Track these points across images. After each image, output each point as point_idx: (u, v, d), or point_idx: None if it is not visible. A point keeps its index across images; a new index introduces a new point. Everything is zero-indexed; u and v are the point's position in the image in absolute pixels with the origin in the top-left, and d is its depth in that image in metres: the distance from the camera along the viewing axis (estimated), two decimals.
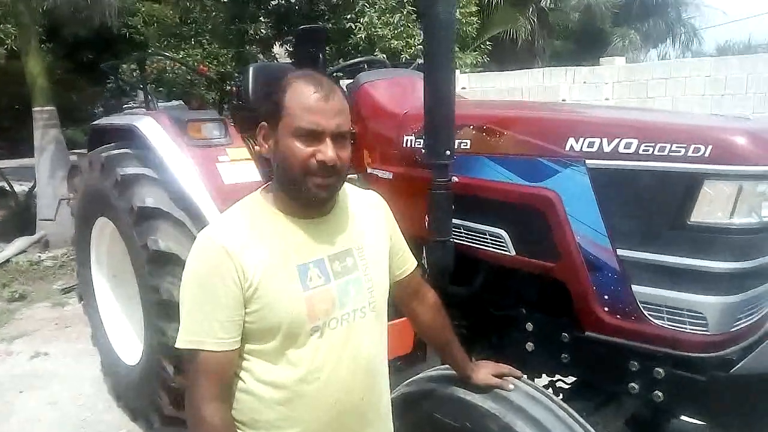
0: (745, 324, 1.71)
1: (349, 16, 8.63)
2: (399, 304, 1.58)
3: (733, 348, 1.69)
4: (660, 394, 1.72)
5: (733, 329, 1.67)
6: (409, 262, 1.53)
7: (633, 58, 13.91)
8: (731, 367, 1.64)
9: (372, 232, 1.38)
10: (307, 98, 1.19)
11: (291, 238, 1.24)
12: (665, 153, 1.62)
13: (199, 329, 1.18)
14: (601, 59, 8.58)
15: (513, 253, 2.01)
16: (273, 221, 1.25)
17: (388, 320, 2.11)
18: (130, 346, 3.24)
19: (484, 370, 1.64)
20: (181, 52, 8.48)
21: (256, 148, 1.30)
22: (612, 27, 17.15)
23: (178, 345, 1.20)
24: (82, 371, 3.97)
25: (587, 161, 1.77)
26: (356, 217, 1.36)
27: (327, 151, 1.19)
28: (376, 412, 1.37)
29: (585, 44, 16.73)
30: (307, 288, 1.22)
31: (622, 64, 8.11)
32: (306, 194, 1.22)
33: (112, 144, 3.09)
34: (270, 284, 1.18)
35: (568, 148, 1.82)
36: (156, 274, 2.58)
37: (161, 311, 2.57)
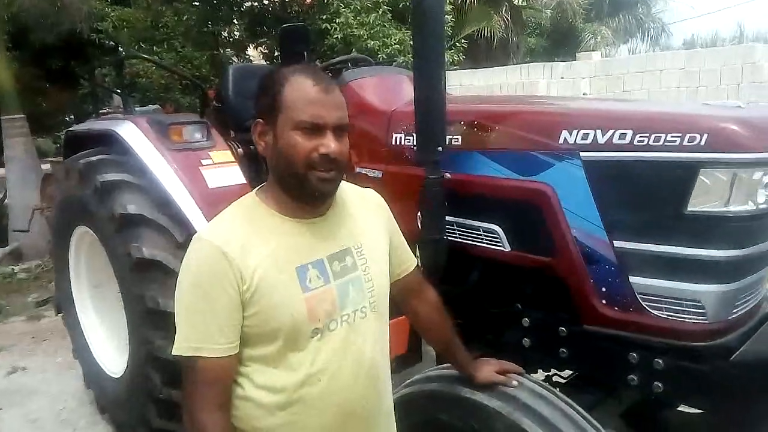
0: (743, 311, 1.72)
1: (324, 17, 8.58)
2: (400, 303, 1.54)
3: (731, 335, 1.70)
4: (660, 384, 1.72)
5: (731, 317, 1.68)
6: (409, 261, 1.51)
7: (605, 53, 14.10)
8: (730, 354, 1.64)
9: (371, 230, 1.36)
10: (308, 91, 1.17)
11: (289, 239, 1.21)
12: (660, 143, 1.61)
13: (198, 335, 1.14)
14: (577, 54, 8.68)
15: (508, 248, 2.00)
16: (270, 222, 1.22)
17: None
18: (114, 358, 3.15)
19: (487, 368, 1.62)
20: (155, 56, 8.33)
21: (261, 147, 1.26)
22: (584, 23, 17.36)
23: (175, 352, 1.16)
24: (63, 386, 3.85)
25: (582, 153, 1.76)
26: (354, 215, 1.34)
27: (329, 143, 1.17)
28: (379, 414, 1.34)
29: (558, 41, 16.94)
30: (307, 289, 1.19)
31: (598, 59, 8.21)
32: (309, 189, 1.20)
33: (90, 150, 3.00)
34: (269, 287, 1.15)
35: (561, 140, 1.80)
36: (140, 282, 2.51)
37: (147, 320, 2.50)
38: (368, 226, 1.36)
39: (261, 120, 1.22)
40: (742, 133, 1.53)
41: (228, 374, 1.17)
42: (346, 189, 1.37)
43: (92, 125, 3.29)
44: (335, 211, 1.30)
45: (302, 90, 1.17)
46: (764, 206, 1.57)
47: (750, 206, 1.55)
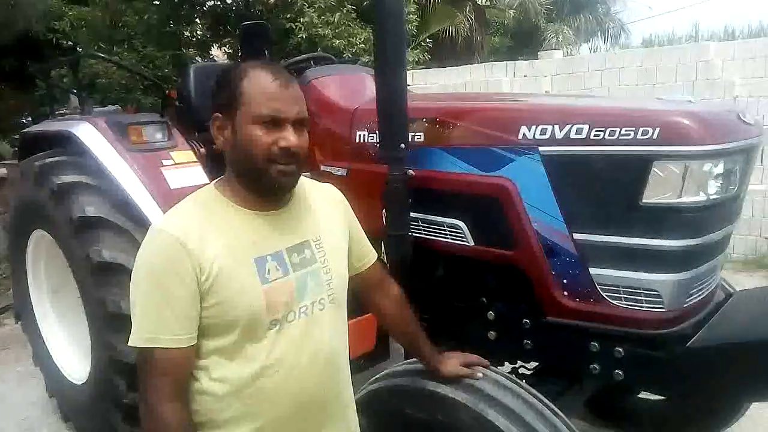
0: (697, 299, 1.78)
1: (288, 17, 8.52)
2: (363, 297, 1.56)
3: (687, 323, 1.75)
4: (620, 372, 1.77)
5: (686, 305, 1.73)
6: (370, 255, 1.53)
7: (566, 52, 14.35)
8: (686, 341, 1.70)
9: (329, 223, 1.37)
10: (267, 85, 1.18)
11: (248, 230, 1.21)
12: (615, 137, 1.66)
13: (154, 326, 1.13)
14: (539, 53, 8.81)
15: (472, 243, 2.02)
16: (229, 214, 1.21)
17: (350, 318, 2.09)
18: (77, 365, 3.07)
19: (452, 361, 1.64)
20: (115, 57, 8.14)
21: (219, 142, 1.25)
22: (546, 23, 17.64)
23: (131, 343, 1.15)
24: (25, 394, 3.74)
25: (540, 148, 1.79)
26: (313, 209, 1.35)
27: (289, 137, 1.18)
28: (338, 404, 1.35)
29: (521, 40, 17.16)
30: (266, 281, 1.19)
31: (559, 57, 8.36)
32: (269, 182, 1.20)
33: (46, 152, 2.91)
34: (227, 278, 1.15)
35: (521, 136, 1.84)
36: (101, 286, 2.45)
37: (109, 325, 2.45)
38: (327, 219, 1.36)
39: (219, 114, 1.22)
40: (693, 126, 1.59)
41: (185, 365, 1.16)
42: (306, 183, 1.38)
43: (48, 126, 3.19)
44: (294, 204, 1.31)
45: (261, 84, 1.18)
46: (715, 197, 1.63)
47: (701, 197, 1.61)
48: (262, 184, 1.21)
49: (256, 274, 1.18)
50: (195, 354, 1.18)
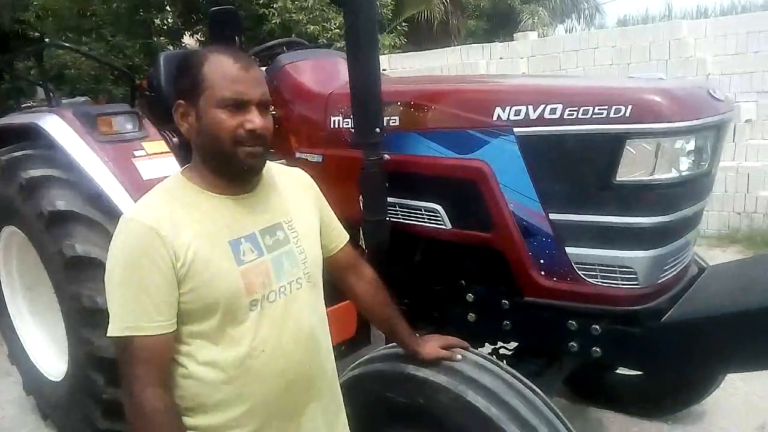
0: (671, 275, 1.80)
1: (261, 2, 8.40)
2: (337, 281, 1.57)
3: (661, 299, 1.77)
4: (598, 349, 1.79)
5: (660, 281, 1.76)
6: (341, 236, 1.54)
7: (542, 33, 14.36)
8: (661, 317, 1.72)
9: (299, 206, 1.38)
10: (229, 69, 1.18)
11: (220, 215, 1.22)
12: (588, 116, 1.66)
13: (134, 315, 1.13)
14: (515, 35, 8.81)
15: (449, 226, 2.02)
16: (199, 200, 1.22)
17: (330, 304, 2.09)
18: (54, 361, 3.03)
19: (431, 344, 1.64)
20: (84, 47, 7.95)
21: (183, 128, 1.25)
22: (521, 5, 17.62)
23: (111, 334, 1.14)
24: (1, 393, 3.68)
25: (515, 129, 1.79)
26: (282, 192, 1.36)
27: (255, 119, 1.19)
28: (324, 379, 1.37)
29: (497, 22, 17.11)
30: (242, 262, 1.20)
31: (534, 38, 8.36)
32: (237, 165, 1.21)
33: (13, 146, 2.84)
34: (203, 262, 1.15)
35: (495, 117, 1.83)
36: (75, 281, 2.41)
37: (85, 320, 2.41)
38: (297, 201, 1.38)
39: (182, 101, 1.22)
40: (664, 103, 1.59)
41: (166, 351, 1.16)
42: (274, 168, 1.39)
43: (13, 119, 3.10)
44: (263, 187, 1.32)
45: (223, 68, 1.17)
46: (687, 173, 1.64)
47: (674, 174, 1.62)
48: (230, 167, 1.21)
49: (232, 257, 1.19)
50: (178, 340, 1.18)
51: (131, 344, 1.13)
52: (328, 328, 1.43)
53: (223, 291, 1.16)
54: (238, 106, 1.18)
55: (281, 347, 1.24)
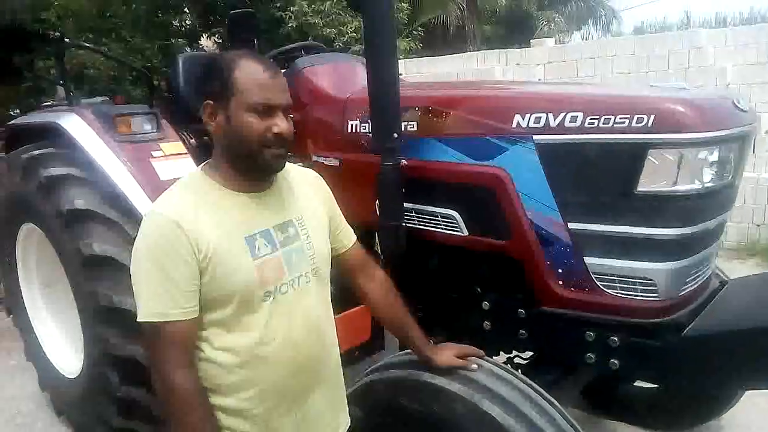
0: (692, 287, 1.77)
1: (278, 5, 8.45)
2: (348, 282, 1.62)
3: (682, 312, 1.74)
4: (616, 362, 1.76)
5: (681, 293, 1.73)
6: (348, 237, 1.60)
7: (559, 40, 14.31)
8: (682, 330, 1.69)
9: (310, 204, 1.46)
10: (259, 75, 1.26)
11: (237, 211, 1.30)
12: (610, 125, 1.64)
13: (162, 302, 1.21)
14: (531, 41, 8.78)
15: (465, 233, 2.01)
16: (218, 196, 1.30)
17: (344, 309, 2.08)
18: (69, 358, 3.06)
19: (447, 352, 1.63)
20: (103, 47, 8.04)
21: (211, 127, 1.32)
22: (538, 11, 17.60)
23: (141, 319, 1.23)
24: (17, 389, 3.72)
25: (535, 137, 1.77)
26: (294, 190, 1.44)
27: (281, 123, 1.27)
28: (327, 367, 1.46)
29: (513, 28, 17.09)
30: (257, 257, 1.28)
31: (551, 45, 8.33)
32: (262, 165, 1.30)
33: (33, 144, 2.87)
34: (222, 255, 1.24)
35: (515, 124, 1.82)
36: (92, 279, 2.43)
37: (101, 318, 2.43)
38: (308, 200, 1.46)
39: (211, 102, 1.29)
40: (688, 113, 1.57)
41: (192, 335, 1.26)
42: (287, 167, 1.44)
43: (34, 118, 3.14)
44: (277, 186, 1.40)
45: (253, 74, 1.25)
46: (710, 185, 1.61)
47: (696, 185, 1.59)
48: (255, 166, 1.30)
49: (247, 251, 1.27)
50: (198, 326, 1.26)
51: (161, 329, 1.21)
52: (334, 320, 1.50)
53: (238, 283, 1.25)
54: (266, 111, 1.26)
55: (291, 337, 1.33)
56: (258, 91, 1.25)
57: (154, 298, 1.22)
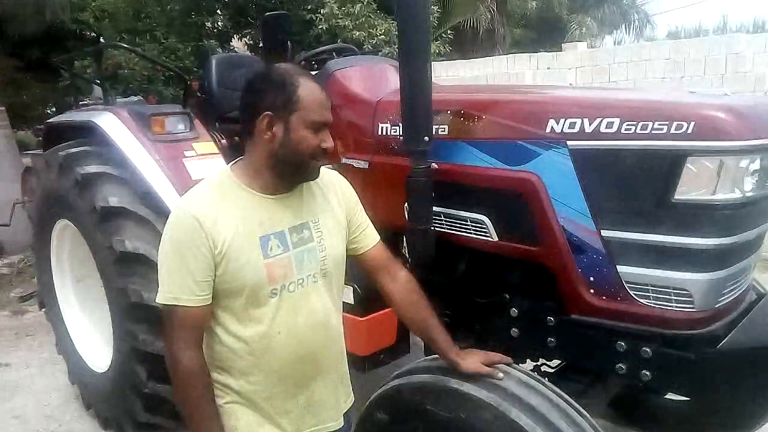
0: (729, 299, 1.72)
1: (308, 8, 8.50)
2: (372, 282, 1.67)
3: (718, 324, 1.69)
4: (647, 373, 1.72)
5: (718, 305, 1.68)
6: (370, 237, 1.65)
7: (590, 44, 14.11)
8: (718, 342, 1.64)
9: (328, 206, 1.55)
10: (319, 95, 1.40)
11: (256, 211, 1.41)
12: (647, 131, 1.60)
13: (177, 288, 1.34)
14: (563, 45, 8.67)
15: (495, 238, 1.98)
16: (241, 197, 1.41)
17: (371, 312, 2.08)
18: (99, 353, 3.11)
19: (474, 358, 1.61)
20: (137, 47, 8.21)
21: (266, 136, 1.40)
22: (569, 14, 17.38)
23: (158, 301, 1.37)
24: (47, 381, 3.81)
25: (569, 142, 1.74)
26: (315, 193, 1.54)
27: (329, 140, 1.43)
28: (330, 359, 1.57)
29: (544, 32, 16.92)
30: (268, 256, 1.40)
31: (584, 49, 8.22)
32: (306, 174, 1.45)
33: (70, 142, 2.94)
34: (236, 252, 1.36)
35: (549, 129, 1.79)
36: (123, 276, 2.48)
37: (130, 314, 2.47)
38: (327, 202, 1.55)
39: (271, 113, 1.38)
40: (729, 121, 1.52)
41: (201, 320, 1.39)
42: None
43: (71, 116, 3.22)
44: (299, 188, 1.50)
45: (314, 94, 1.39)
46: (750, 194, 1.57)
47: (736, 194, 1.55)
48: (299, 175, 1.44)
49: (260, 251, 1.39)
50: (214, 312, 1.41)
51: (173, 312, 1.35)
52: (341, 317, 1.61)
53: (248, 279, 1.37)
54: (320, 127, 1.40)
55: (296, 331, 1.45)
56: (317, 109, 1.38)
57: (171, 283, 1.35)
